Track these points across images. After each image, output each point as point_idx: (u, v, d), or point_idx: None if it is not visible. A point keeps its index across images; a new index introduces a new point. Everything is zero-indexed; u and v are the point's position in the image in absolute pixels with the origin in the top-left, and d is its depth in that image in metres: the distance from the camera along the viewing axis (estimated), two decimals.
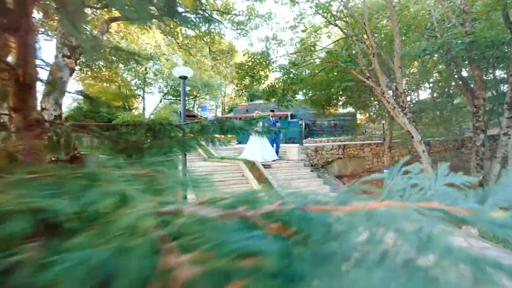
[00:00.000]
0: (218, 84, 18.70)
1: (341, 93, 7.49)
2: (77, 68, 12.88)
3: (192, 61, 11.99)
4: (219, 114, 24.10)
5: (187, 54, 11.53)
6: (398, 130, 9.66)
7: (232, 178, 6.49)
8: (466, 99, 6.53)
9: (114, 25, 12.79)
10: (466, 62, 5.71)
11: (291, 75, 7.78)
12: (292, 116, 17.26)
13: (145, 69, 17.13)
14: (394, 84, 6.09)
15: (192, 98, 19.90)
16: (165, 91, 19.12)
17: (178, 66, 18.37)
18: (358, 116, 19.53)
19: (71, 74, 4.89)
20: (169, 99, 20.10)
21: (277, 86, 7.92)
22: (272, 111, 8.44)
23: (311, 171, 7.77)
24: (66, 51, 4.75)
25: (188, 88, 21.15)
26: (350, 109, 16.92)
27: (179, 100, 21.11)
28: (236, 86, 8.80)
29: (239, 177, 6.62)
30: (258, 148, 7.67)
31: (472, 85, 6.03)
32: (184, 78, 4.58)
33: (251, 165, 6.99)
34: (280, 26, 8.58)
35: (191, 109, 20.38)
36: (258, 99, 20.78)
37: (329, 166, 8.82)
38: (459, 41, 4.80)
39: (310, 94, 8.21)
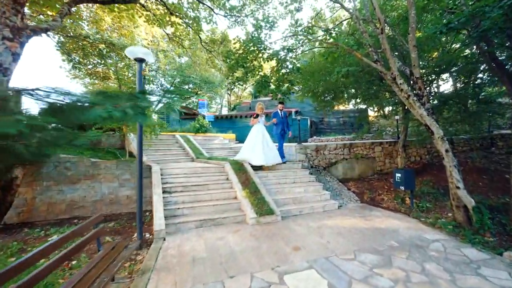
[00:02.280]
0: (220, 81, 17.93)
1: (342, 81, 6.38)
2: (69, 65, 12.57)
3: (187, 54, 11.22)
4: (225, 113, 23.31)
5: (181, 47, 10.80)
6: (415, 127, 8.37)
7: (214, 181, 5.60)
8: (504, 86, 5.25)
9: (108, 20, 12.36)
10: (504, 36, 4.47)
11: (287, 63, 6.78)
12: (298, 114, 16.13)
13: (145, 65, 16.64)
14: (408, 68, 4.95)
15: (193, 96, 19.25)
16: (166, 89, 18.54)
17: (176, 61, 17.74)
18: (372, 113, 18.09)
19: (15, 60, 4.18)
20: (170, 97, 19.53)
21: (270, 76, 6.94)
22: (281, 102, 7.01)
23: (310, 173, 6.73)
24: (7, 32, 4.06)
25: (191, 86, 20.51)
26: (361, 105, 15.59)
27: (181, 98, 20.51)
28: (227, 78, 7.89)
29: (222, 180, 5.72)
30: (259, 147, 6.41)
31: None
32: (140, 61, 3.73)
33: (239, 166, 6.07)
34: (278, 11, 7.59)
35: (193, 107, 19.79)
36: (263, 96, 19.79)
37: (332, 168, 7.72)
38: (496, 5, 3.62)
39: (309, 84, 7.14)
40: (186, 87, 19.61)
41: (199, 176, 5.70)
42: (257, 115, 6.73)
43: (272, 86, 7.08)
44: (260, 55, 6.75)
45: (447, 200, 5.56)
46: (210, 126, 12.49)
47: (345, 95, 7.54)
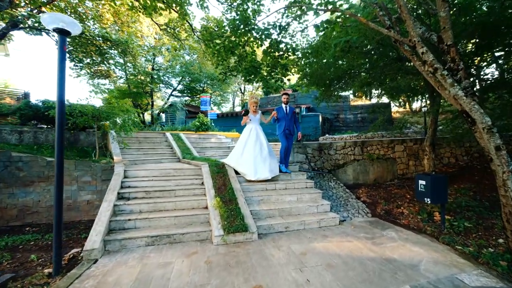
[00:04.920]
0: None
1: (352, 64, 5.08)
2: (70, 64, 12.54)
3: (184, 47, 10.53)
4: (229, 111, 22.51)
5: (176, 40, 10.12)
6: (449, 120, 6.68)
7: (185, 186, 4.65)
8: None
9: (110, 17, 12.10)
10: None
11: (281, 45, 5.66)
12: (310, 110, 14.73)
13: (153, 60, 16.28)
14: (435, 34, 3.55)
15: (200, 93, 18.72)
16: (175, 87, 18.20)
17: (184, 58, 17.27)
18: (396, 108, 16.09)
19: None
20: (178, 95, 19.16)
21: (262, 61, 5.86)
22: (286, 94, 5.42)
23: (310, 178, 5.51)
24: None
25: (202, 85, 19.99)
26: (384, 99, 13.79)
27: (191, 97, 20.08)
28: (216, 67, 6.96)
29: (195, 185, 4.76)
30: (249, 155, 4.99)
31: None
32: (63, 33, 2.89)
33: (218, 168, 5.07)
34: None
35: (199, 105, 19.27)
36: (275, 91, 18.62)
37: (340, 171, 6.40)
38: None
39: (308, 70, 5.92)
40: (197, 86, 19.13)
41: (169, 179, 4.79)
42: (247, 112, 5.20)
43: (265, 73, 5.99)
44: (252, 39, 5.72)
45: (495, 217, 4.03)
46: (212, 124, 11.69)
47: (352, 80, 6.14)
